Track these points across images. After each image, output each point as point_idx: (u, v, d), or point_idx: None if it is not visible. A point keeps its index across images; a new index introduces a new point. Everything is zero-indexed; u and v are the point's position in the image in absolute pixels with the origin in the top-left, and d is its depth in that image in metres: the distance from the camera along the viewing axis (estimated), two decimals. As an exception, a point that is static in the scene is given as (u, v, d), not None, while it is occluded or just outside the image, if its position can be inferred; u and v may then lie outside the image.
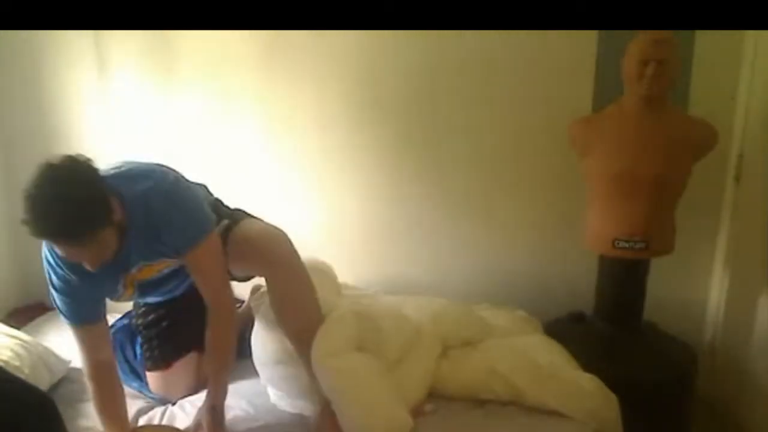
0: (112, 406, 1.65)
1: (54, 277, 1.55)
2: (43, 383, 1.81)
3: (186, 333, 1.85)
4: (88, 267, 1.41)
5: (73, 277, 1.52)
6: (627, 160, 1.91)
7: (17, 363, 1.80)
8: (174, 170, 1.64)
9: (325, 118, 2.41)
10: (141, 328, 1.93)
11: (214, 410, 1.66)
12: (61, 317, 1.61)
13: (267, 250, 1.66)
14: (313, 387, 1.66)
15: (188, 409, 1.82)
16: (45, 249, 1.54)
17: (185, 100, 2.43)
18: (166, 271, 1.70)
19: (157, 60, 2.40)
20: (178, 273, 1.74)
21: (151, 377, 1.89)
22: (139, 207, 1.50)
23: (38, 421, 1.24)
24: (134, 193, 1.50)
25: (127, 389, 1.91)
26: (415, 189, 2.43)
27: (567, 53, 2.21)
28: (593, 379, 1.79)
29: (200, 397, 1.82)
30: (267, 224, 1.75)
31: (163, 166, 1.63)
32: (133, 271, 1.61)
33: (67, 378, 1.96)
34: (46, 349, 1.96)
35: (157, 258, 1.61)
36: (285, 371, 1.77)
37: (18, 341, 1.91)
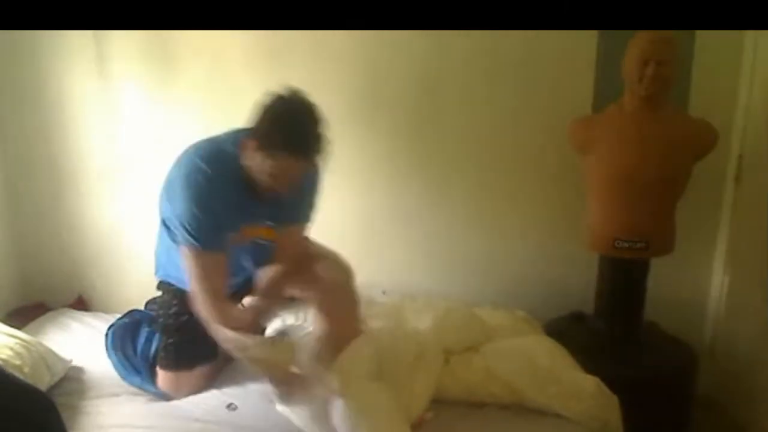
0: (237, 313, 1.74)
1: (206, 198, 1.60)
2: (43, 383, 1.81)
3: (206, 340, 1.78)
4: (282, 187, 1.59)
5: (228, 199, 1.62)
6: (627, 160, 1.92)
7: (17, 362, 1.79)
8: None
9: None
10: (162, 325, 1.91)
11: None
12: (191, 244, 1.63)
13: (329, 272, 1.78)
14: (321, 416, 1.66)
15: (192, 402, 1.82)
16: (200, 171, 1.59)
17: (185, 100, 2.42)
18: (249, 246, 1.78)
19: (156, 60, 2.40)
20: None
21: (162, 375, 1.88)
22: None
23: (37, 421, 1.24)
24: None
25: (126, 386, 1.92)
26: (415, 190, 2.43)
27: (567, 53, 2.21)
28: (594, 380, 1.78)
29: (204, 396, 1.83)
30: (335, 253, 1.86)
31: None
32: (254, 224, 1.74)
33: (67, 378, 1.96)
34: (46, 348, 1.96)
35: (272, 220, 1.74)
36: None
37: (18, 341, 1.90)
